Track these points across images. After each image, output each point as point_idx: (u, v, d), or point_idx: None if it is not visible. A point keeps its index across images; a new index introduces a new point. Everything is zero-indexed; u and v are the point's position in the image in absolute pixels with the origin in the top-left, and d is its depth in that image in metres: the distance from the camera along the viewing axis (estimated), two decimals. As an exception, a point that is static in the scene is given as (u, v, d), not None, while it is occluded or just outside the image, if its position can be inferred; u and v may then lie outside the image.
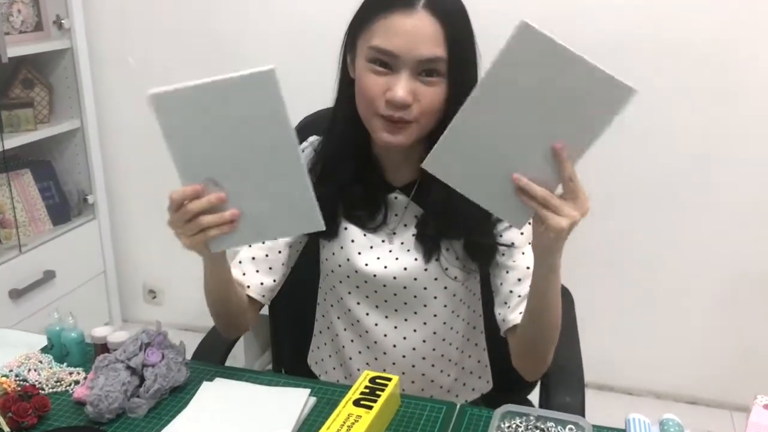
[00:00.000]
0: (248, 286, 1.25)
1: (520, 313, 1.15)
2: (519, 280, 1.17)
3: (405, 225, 1.23)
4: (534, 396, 1.55)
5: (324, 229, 1.02)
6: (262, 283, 1.25)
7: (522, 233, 1.19)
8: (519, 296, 1.17)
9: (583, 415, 1.25)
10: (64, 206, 2.71)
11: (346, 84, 1.19)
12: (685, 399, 2.51)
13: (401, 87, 1.08)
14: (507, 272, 1.19)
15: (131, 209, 2.93)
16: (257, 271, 1.25)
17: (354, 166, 1.21)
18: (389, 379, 1.08)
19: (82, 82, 2.63)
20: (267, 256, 1.24)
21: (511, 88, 0.91)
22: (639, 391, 2.55)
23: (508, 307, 1.19)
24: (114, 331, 1.19)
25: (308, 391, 1.11)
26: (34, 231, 2.60)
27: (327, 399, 1.11)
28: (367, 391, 1.05)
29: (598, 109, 0.91)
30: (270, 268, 1.25)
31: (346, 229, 1.24)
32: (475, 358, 1.34)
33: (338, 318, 1.31)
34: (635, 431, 1.02)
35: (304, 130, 1.53)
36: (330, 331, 1.34)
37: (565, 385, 1.31)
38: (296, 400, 1.09)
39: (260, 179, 0.99)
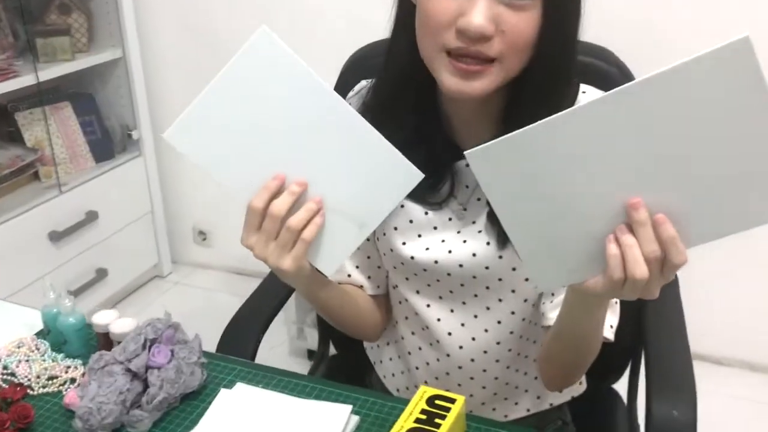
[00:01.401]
0: (360, 286, 1.06)
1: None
2: None
3: (478, 199, 0.96)
4: (621, 386, 1.31)
5: (424, 175, 0.82)
6: (369, 277, 1.07)
7: None
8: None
9: (693, 433, 1.00)
10: (107, 142, 2.53)
11: (406, 11, 0.90)
12: (785, 373, 2.22)
13: (479, 11, 0.79)
14: None
15: (179, 145, 2.73)
16: (357, 267, 1.06)
17: (413, 121, 0.94)
18: (453, 400, 0.84)
19: (123, 8, 2.39)
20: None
21: (650, 111, 0.66)
22: (730, 362, 2.27)
23: (551, 302, 0.96)
24: (118, 317, 0.98)
25: (350, 408, 0.88)
26: (75, 169, 2.43)
27: (373, 418, 0.88)
28: (424, 417, 0.81)
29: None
30: (368, 257, 1.05)
31: (402, 206, 0.98)
32: None
33: (399, 303, 1.07)
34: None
35: (349, 70, 1.27)
36: (391, 316, 1.12)
37: (671, 392, 1.05)
38: (334, 419, 0.86)
39: (325, 159, 0.82)
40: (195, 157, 0.84)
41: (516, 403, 1.07)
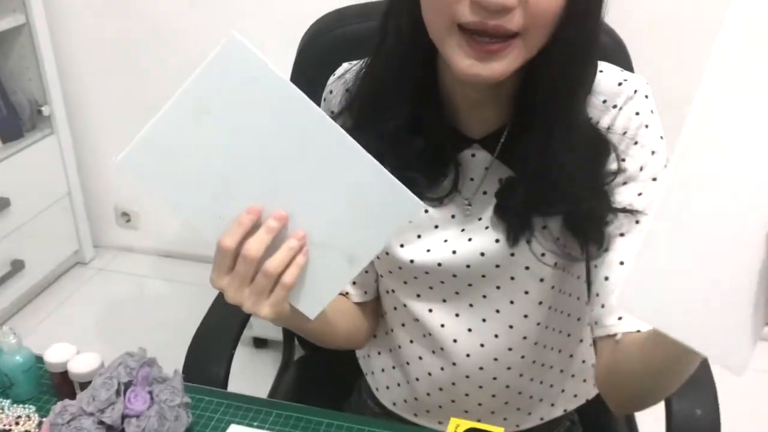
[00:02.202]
0: (346, 293, 0.96)
1: (620, 318, 0.78)
2: (622, 263, 0.80)
3: (485, 193, 0.85)
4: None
5: (425, 208, 0.72)
6: (354, 283, 0.95)
7: (640, 194, 0.81)
8: None
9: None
10: (15, 120, 2.27)
11: None
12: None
13: None
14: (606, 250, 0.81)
15: (95, 119, 2.49)
16: None
17: (411, 105, 0.81)
18: (490, 434, 0.73)
19: (24, -33, 2.14)
20: None
21: None
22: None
23: (603, 306, 0.81)
24: (77, 353, 0.82)
25: (368, 449, 0.77)
26: (-22, 152, 2.18)
27: (395, 456, 0.77)
28: (464, 459, 0.71)
29: None
30: None
31: None
32: (580, 357, 0.99)
33: (395, 309, 0.96)
34: None
35: (309, 46, 1.13)
36: (383, 322, 1.00)
37: (692, 389, 0.98)
38: (353, 463, 0.75)
39: (307, 186, 0.71)
40: (153, 188, 0.71)
41: (529, 413, 0.98)
